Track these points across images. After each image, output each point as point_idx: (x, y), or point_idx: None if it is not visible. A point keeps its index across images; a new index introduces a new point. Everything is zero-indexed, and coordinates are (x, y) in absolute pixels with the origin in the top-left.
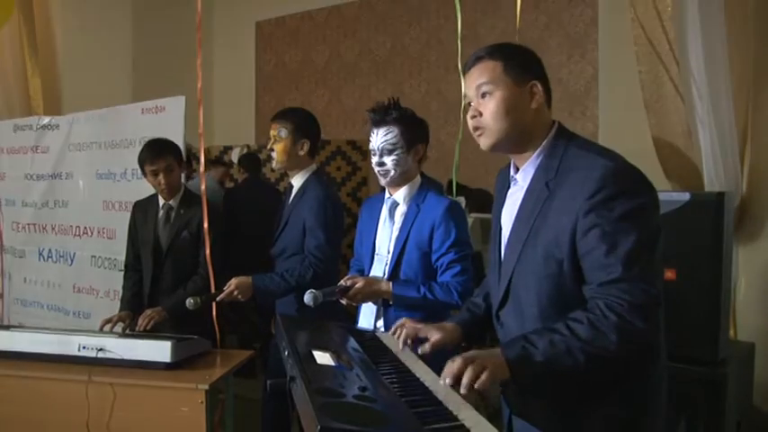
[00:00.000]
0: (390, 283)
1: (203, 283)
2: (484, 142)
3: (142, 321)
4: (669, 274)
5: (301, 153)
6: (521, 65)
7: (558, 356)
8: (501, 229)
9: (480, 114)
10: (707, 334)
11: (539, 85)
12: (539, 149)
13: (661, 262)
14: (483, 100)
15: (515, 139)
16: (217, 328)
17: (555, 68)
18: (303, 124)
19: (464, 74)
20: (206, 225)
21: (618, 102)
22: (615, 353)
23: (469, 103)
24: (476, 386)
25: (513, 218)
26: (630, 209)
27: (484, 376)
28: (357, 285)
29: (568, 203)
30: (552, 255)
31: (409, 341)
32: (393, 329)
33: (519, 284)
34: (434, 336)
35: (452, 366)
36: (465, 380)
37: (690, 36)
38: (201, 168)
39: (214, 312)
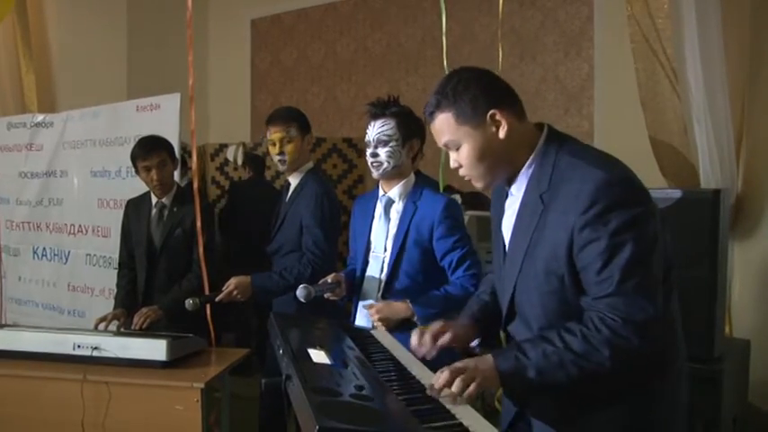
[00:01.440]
0: (408, 303)
1: (198, 281)
2: (478, 186)
3: (138, 320)
4: None
5: (308, 149)
6: (471, 103)
7: (550, 369)
8: (504, 241)
9: (461, 165)
10: (702, 331)
11: (498, 113)
12: (529, 160)
13: (660, 272)
14: (456, 152)
15: (502, 170)
16: (212, 327)
17: (551, 66)
18: (304, 121)
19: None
20: (199, 223)
21: (614, 99)
22: (609, 368)
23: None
24: (462, 397)
25: (512, 231)
26: (625, 221)
27: (471, 388)
28: (377, 307)
29: (563, 218)
30: (552, 271)
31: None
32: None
33: (523, 300)
34: (446, 337)
35: (440, 377)
36: (454, 389)
37: (686, 33)
38: (194, 165)
39: (209, 311)
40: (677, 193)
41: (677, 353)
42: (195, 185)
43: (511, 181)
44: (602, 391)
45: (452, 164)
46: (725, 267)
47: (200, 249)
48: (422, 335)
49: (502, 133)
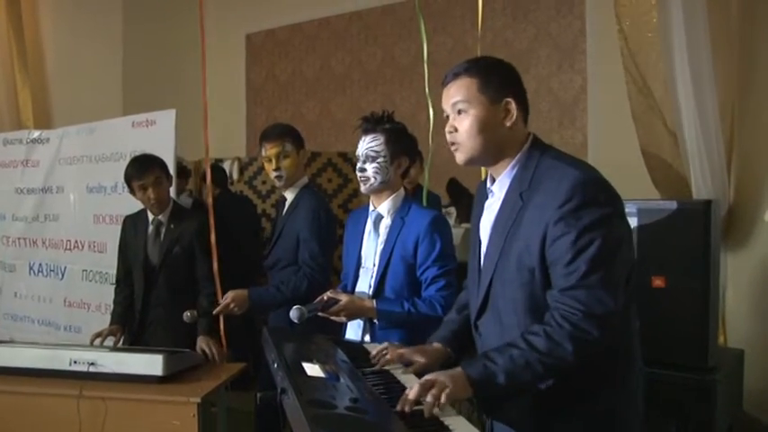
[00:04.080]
0: (374, 301)
1: (209, 300)
2: (458, 157)
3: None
4: (658, 282)
5: (303, 163)
6: (498, 82)
7: (518, 370)
8: (480, 240)
9: (456, 130)
10: (696, 341)
11: (513, 103)
12: (514, 161)
13: (624, 270)
14: (459, 116)
15: (488, 155)
16: (224, 340)
17: (544, 79)
18: (298, 136)
19: (443, 87)
20: (213, 238)
21: (607, 112)
22: (572, 362)
23: (447, 117)
24: (435, 408)
25: (490, 229)
26: (596, 218)
27: (443, 398)
28: (341, 303)
29: (540, 213)
30: (524, 263)
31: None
32: (374, 354)
33: (497, 294)
34: (418, 360)
35: (410, 394)
36: (429, 399)
37: (675, 46)
38: (208, 180)
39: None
40: (669, 204)
41: (633, 365)
42: (209, 200)
43: (493, 179)
44: (561, 400)
45: (447, 128)
46: (718, 277)
47: (215, 264)
48: (389, 350)
49: (508, 122)
